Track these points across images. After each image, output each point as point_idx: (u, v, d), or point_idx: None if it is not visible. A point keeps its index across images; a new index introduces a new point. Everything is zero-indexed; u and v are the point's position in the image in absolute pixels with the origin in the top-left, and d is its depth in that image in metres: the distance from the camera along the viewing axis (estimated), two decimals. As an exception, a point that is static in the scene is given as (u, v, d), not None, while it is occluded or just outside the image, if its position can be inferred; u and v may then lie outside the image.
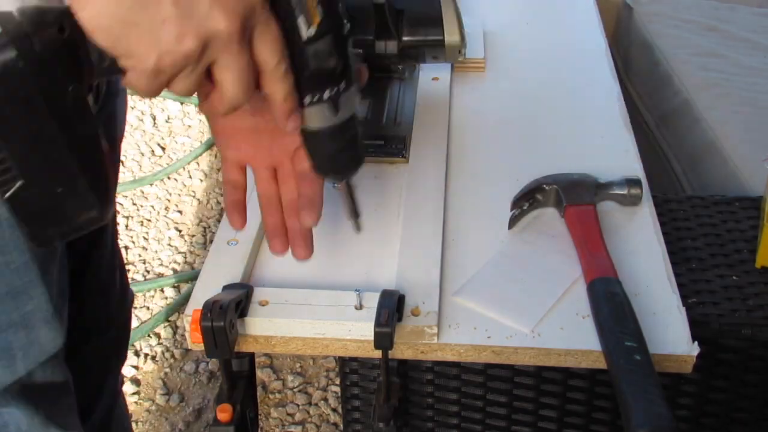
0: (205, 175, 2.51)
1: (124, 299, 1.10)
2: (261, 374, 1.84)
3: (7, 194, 0.56)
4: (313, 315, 0.79)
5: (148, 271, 2.14)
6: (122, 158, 2.40)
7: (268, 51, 0.59)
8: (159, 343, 1.94)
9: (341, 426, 1.46)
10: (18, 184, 0.56)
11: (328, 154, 0.67)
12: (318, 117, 0.64)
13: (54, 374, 0.80)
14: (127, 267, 2.15)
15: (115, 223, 1.06)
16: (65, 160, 0.57)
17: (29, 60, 0.53)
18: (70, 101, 0.56)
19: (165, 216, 2.35)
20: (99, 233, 0.70)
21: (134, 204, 2.39)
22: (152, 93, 0.59)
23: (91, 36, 0.55)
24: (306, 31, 0.58)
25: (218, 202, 2.39)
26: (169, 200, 2.41)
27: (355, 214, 0.73)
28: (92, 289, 0.99)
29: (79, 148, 0.58)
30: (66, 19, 0.54)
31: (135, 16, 0.54)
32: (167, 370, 1.88)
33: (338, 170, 0.70)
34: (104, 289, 1.03)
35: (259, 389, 1.79)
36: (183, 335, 1.94)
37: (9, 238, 0.70)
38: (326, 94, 0.62)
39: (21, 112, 0.54)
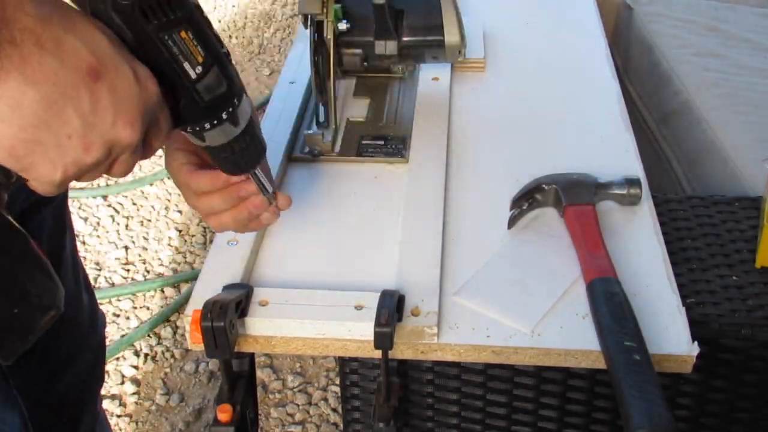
0: (205, 175, 2.50)
1: (95, 324, 1.06)
2: (261, 374, 1.84)
3: None
4: (313, 315, 0.79)
5: (148, 271, 2.14)
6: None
7: (159, 142, 0.62)
8: (159, 343, 1.94)
9: (341, 426, 1.46)
10: None
11: (235, 159, 0.70)
12: (221, 135, 0.66)
13: None
14: (127, 267, 2.15)
15: (74, 247, 1.00)
16: (12, 281, 0.58)
17: None
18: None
19: (165, 216, 2.35)
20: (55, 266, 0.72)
21: (134, 204, 2.39)
22: (55, 194, 0.59)
23: None
24: (193, 72, 0.61)
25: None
26: (169, 200, 2.41)
27: (266, 190, 0.75)
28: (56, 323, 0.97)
29: (19, 266, 0.58)
30: None
31: (39, 135, 0.53)
32: (167, 370, 1.88)
33: (247, 167, 0.72)
34: (69, 318, 1.01)
35: (259, 389, 1.79)
36: (183, 335, 1.94)
37: None
38: (224, 116, 0.65)
39: None
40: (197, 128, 0.64)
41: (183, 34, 0.59)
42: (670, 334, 0.78)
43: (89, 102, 0.54)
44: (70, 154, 0.55)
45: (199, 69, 0.61)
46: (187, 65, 0.60)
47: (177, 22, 0.59)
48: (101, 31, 0.55)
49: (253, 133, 0.70)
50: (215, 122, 0.64)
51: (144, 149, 0.62)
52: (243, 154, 0.69)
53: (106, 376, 1.85)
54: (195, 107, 0.62)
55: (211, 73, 0.62)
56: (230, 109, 0.65)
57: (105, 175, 0.62)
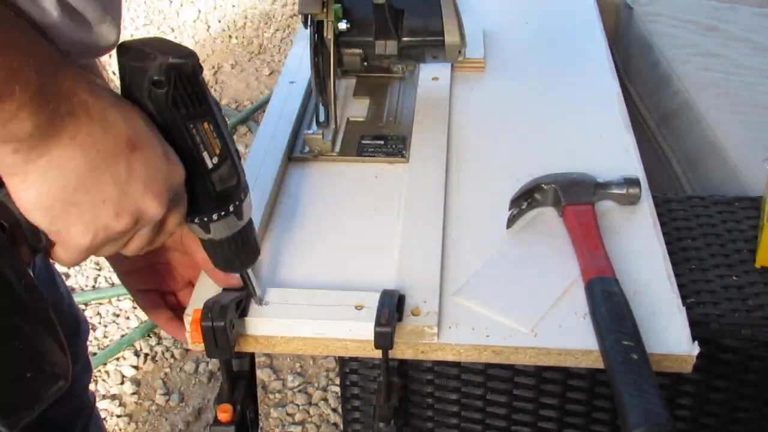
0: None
1: (77, 332, 1.07)
2: (261, 374, 1.84)
3: None
4: (314, 315, 0.79)
5: (148, 271, 2.14)
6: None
7: (174, 225, 0.66)
8: (159, 343, 1.94)
9: (341, 426, 1.46)
10: None
11: (231, 256, 0.73)
12: (225, 228, 0.70)
13: None
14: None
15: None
16: (29, 343, 0.58)
17: None
18: (21, 286, 0.57)
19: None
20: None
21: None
22: (75, 264, 0.61)
23: (27, 215, 0.56)
24: (210, 162, 0.65)
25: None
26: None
27: (253, 293, 0.79)
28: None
29: (36, 329, 0.59)
30: (3, 214, 0.56)
31: (78, 197, 0.56)
32: (167, 370, 1.88)
33: (241, 265, 0.75)
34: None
35: (259, 389, 1.79)
36: (183, 335, 1.93)
37: None
38: (231, 208, 0.68)
39: None
40: (205, 218, 0.68)
41: (205, 125, 0.63)
42: (670, 333, 0.78)
43: (125, 171, 0.58)
44: (102, 218, 0.58)
45: (215, 159, 0.65)
46: (205, 154, 0.64)
47: (201, 114, 0.63)
48: (137, 112, 0.60)
49: (252, 232, 0.73)
50: (223, 213, 0.68)
51: (158, 232, 0.65)
52: (239, 253, 0.73)
53: (106, 376, 1.86)
54: (207, 196, 0.66)
55: (225, 165, 0.66)
56: (237, 203, 0.69)
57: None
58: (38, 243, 0.59)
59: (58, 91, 0.53)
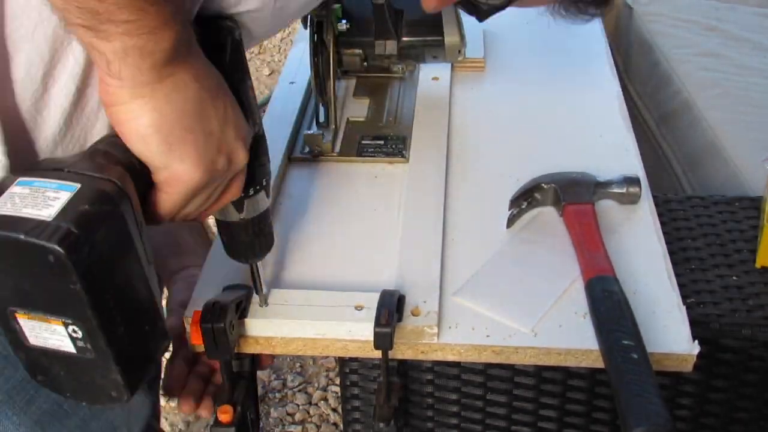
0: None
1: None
2: (261, 374, 1.84)
3: (117, 341, 0.56)
4: (314, 316, 0.79)
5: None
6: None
7: (239, 187, 0.66)
8: (159, 344, 1.94)
9: (341, 426, 1.46)
10: (121, 329, 0.56)
11: (250, 242, 0.74)
12: (256, 206, 0.71)
13: None
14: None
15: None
16: (150, 294, 0.60)
17: (125, 208, 0.56)
18: (140, 236, 0.57)
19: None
20: None
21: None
22: (169, 217, 0.62)
23: (143, 144, 0.56)
24: (254, 129, 0.65)
25: (218, 202, 2.38)
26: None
27: (260, 289, 0.79)
28: None
29: (154, 279, 0.60)
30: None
31: (193, 124, 0.57)
32: (167, 370, 1.88)
33: (256, 254, 0.76)
34: None
35: (259, 389, 1.79)
36: (183, 335, 1.93)
37: None
38: (264, 182, 0.70)
39: (124, 253, 0.56)
40: (242, 194, 0.68)
41: (251, 90, 0.65)
42: (671, 332, 0.78)
43: (222, 110, 0.59)
44: (210, 151, 0.59)
45: (257, 128, 0.66)
46: (250, 121, 0.64)
47: (246, 80, 0.65)
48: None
49: (269, 218, 0.74)
50: (258, 188, 0.69)
51: (225, 191, 0.65)
52: (259, 238, 0.73)
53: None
54: (250, 166, 0.66)
55: (263, 136, 0.67)
56: (267, 178, 0.70)
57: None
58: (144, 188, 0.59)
59: (189, 20, 0.56)
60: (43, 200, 0.53)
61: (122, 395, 0.58)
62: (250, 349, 0.81)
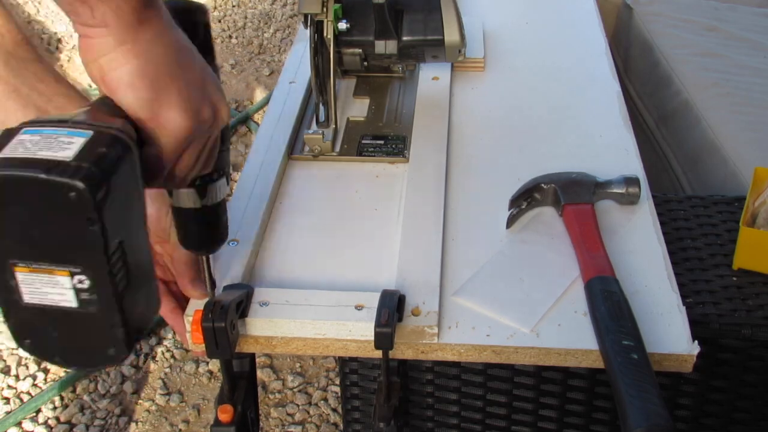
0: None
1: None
2: (261, 374, 1.84)
3: (121, 294, 0.56)
4: (314, 315, 0.79)
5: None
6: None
7: (212, 158, 0.68)
8: (159, 343, 1.94)
9: (341, 426, 1.46)
10: (125, 281, 0.56)
11: (205, 232, 0.74)
12: (217, 193, 0.71)
13: None
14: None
15: None
16: (147, 249, 0.59)
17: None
18: (141, 194, 0.58)
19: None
20: None
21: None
22: (164, 171, 0.61)
23: (131, 93, 0.57)
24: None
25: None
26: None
27: (212, 284, 0.79)
28: None
29: (149, 240, 0.60)
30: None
31: (176, 70, 0.59)
32: (167, 370, 1.88)
33: (212, 244, 0.75)
34: None
35: (259, 389, 1.79)
36: (183, 335, 1.93)
37: None
38: (226, 169, 0.70)
39: (134, 199, 0.56)
40: (206, 178, 0.69)
41: (218, 73, 0.66)
42: (670, 332, 0.78)
43: (201, 63, 0.62)
44: (195, 99, 0.60)
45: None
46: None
47: (213, 57, 0.68)
48: None
49: (226, 211, 0.75)
50: (221, 172, 0.70)
51: (211, 151, 0.66)
52: (215, 228, 0.74)
53: (106, 376, 1.86)
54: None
55: (227, 126, 0.68)
56: (228, 167, 0.71)
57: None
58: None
59: None
60: (58, 144, 0.52)
61: (122, 351, 0.57)
62: (250, 348, 0.81)
